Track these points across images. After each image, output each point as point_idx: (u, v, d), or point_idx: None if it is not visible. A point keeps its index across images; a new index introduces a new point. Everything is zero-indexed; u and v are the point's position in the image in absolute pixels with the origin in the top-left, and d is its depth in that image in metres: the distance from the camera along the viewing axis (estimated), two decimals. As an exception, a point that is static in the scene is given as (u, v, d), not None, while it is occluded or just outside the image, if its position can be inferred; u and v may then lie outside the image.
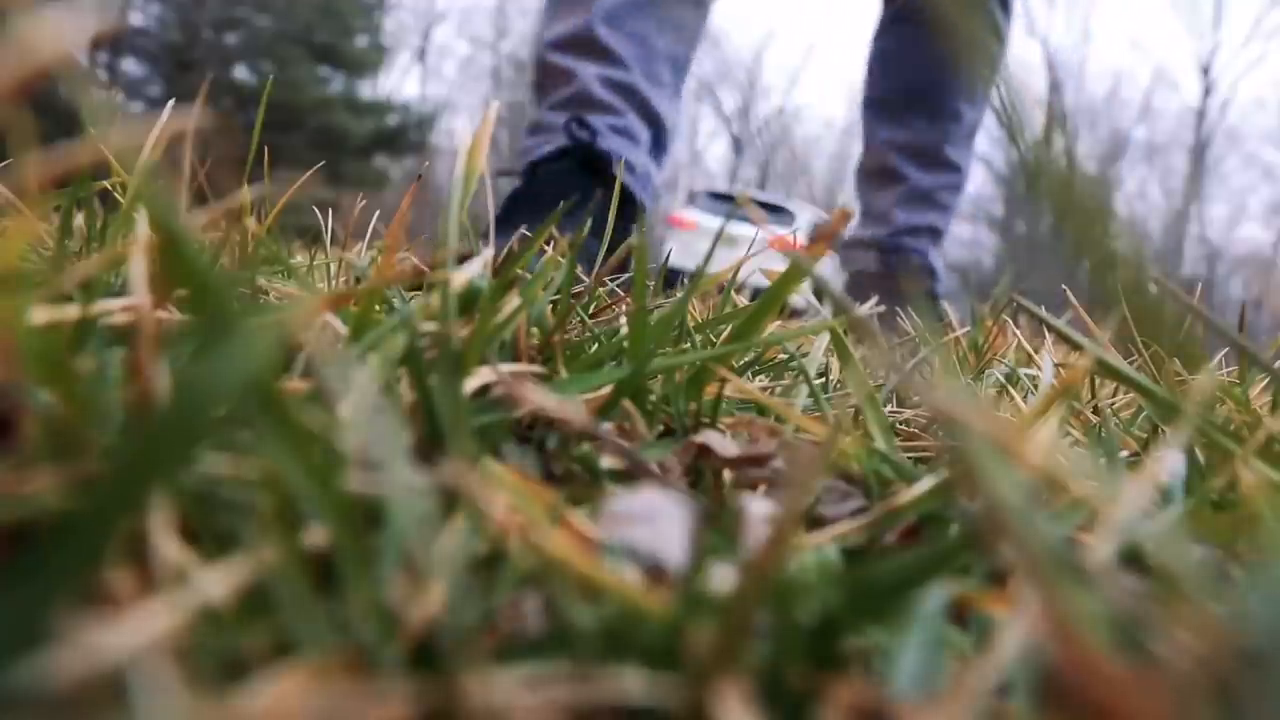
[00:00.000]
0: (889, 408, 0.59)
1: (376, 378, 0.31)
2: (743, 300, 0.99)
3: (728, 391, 0.46)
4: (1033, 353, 0.73)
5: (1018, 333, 0.87)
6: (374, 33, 15.37)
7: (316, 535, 0.21)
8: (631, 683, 0.18)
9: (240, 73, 14.51)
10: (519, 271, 0.47)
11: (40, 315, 0.29)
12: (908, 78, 1.89)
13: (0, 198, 0.47)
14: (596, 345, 0.50)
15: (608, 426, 0.38)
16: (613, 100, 1.55)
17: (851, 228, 2.00)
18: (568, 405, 0.32)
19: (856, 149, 2.15)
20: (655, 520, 0.26)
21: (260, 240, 0.59)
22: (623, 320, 0.58)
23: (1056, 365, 0.66)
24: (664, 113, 1.63)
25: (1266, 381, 0.65)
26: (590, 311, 0.58)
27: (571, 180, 1.42)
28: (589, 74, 1.54)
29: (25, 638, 0.15)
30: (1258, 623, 0.16)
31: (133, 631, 0.16)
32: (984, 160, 20.31)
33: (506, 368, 0.37)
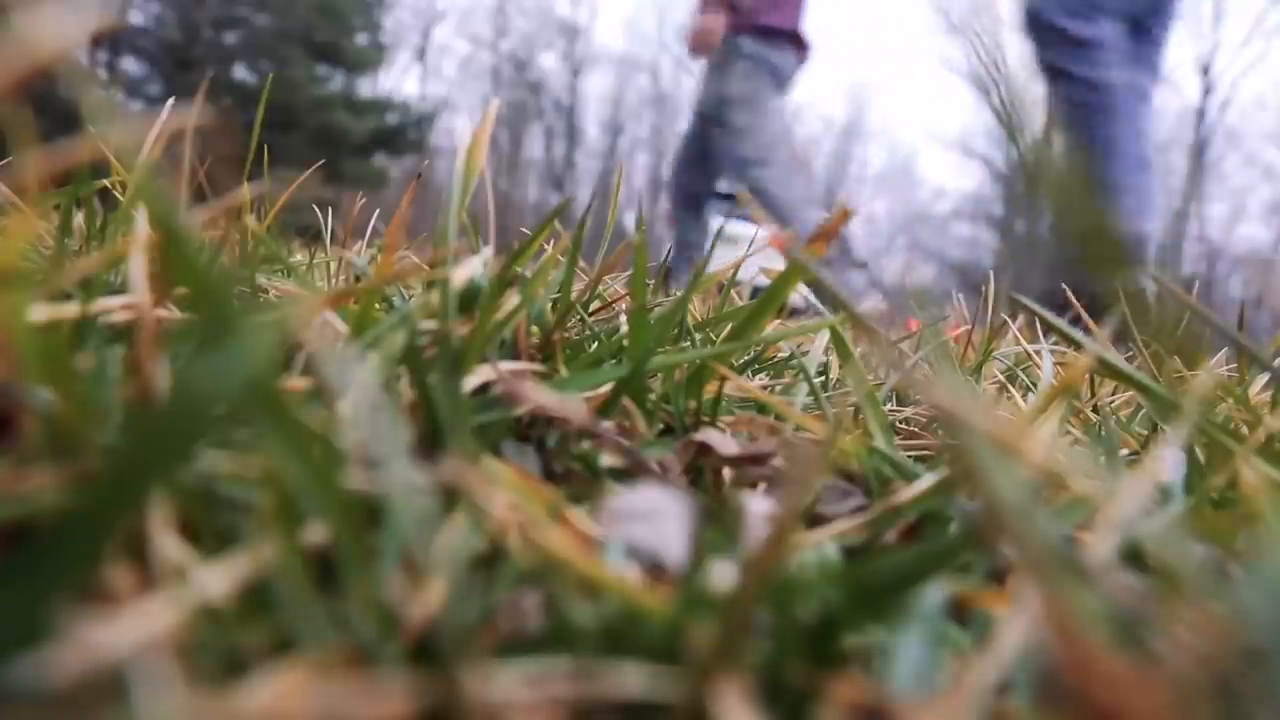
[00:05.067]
0: (889, 406, 0.59)
1: (376, 376, 0.31)
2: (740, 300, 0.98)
3: (728, 390, 0.46)
4: (1032, 352, 0.73)
5: (1017, 333, 0.87)
6: (373, 31, 15.36)
7: (316, 533, 0.21)
8: (631, 680, 0.18)
9: (240, 71, 14.51)
10: (518, 270, 0.47)
11: (40, 313, 0.29)
12: None
13: (0, 195, 0.47)
14: (596, 343, 0.50)
15: (608, 424, 0.38)
16: None
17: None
18: (568, 403, 0.32)
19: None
20: (655, 518, 0.26)
21: (260, 239, 0.59)
22: (623, 319, 0.58)
23: (1056, 364, 0.66)
24: None
25: (1267, 380, 0.65)
26: (590, 310, 0.58)
27: None
28: None
29: (25, 635, 0.15)
30: (1257, 620, 0.16)
31: (132, 629, 0.16)
32: (984, 160, 20.32)
33: (506, 366, 0.37)
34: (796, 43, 2.85)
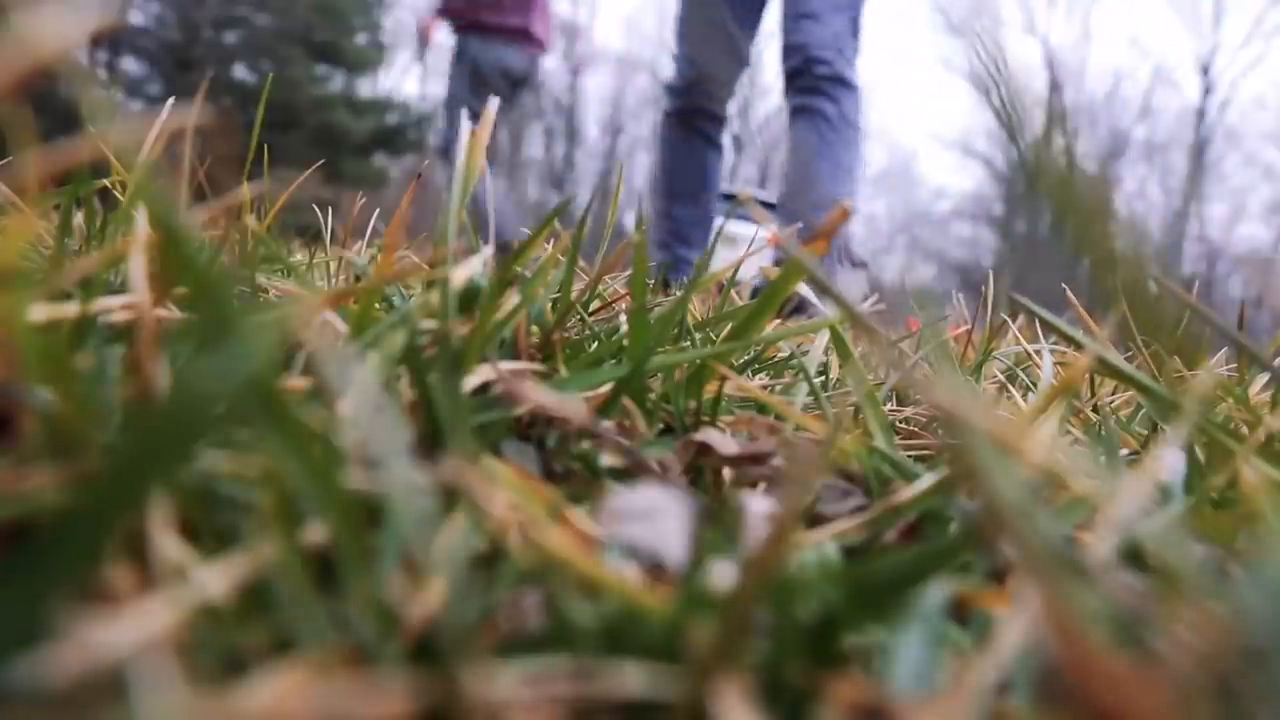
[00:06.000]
0: (889, 406, 0.59)
1: (376, 375, 0.31)
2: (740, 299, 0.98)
3: (728, 389, 0.46)
4: (1032, 352, 0.73)
5: (1017, 333, 0.87)
6: (373, 31, 15.34)
7: (316, 532, 0.21)
8: (631, 679, 0.18)
9: (240, 71, 14.51)
10: (518, 269, 0.47)
11: (40, 313, 0.29)
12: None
13: (0, 195, 0.47)
14: (596, 343, 0.50)
15: (608, 424, 0.38)
16: None
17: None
18: (568, 403, 0.32)
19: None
20: (655, 518, 0.26)
21: (260, 238, 0.59)
22: (622, 318, 0.58)
23: (1056, 363, 0.66)
24: None
25: (1267, 380, 0.65)
26: (590, 310, 0.58)
27: None
28: None
29: (25, 635, 0.15)
30: (1258, 620, 0.16)
31: (132, 628, 0.16)
32: (984, 160, 20.32)
33: (506, 365, 0.37)
34: (527, 39, 3.18)
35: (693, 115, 2.39)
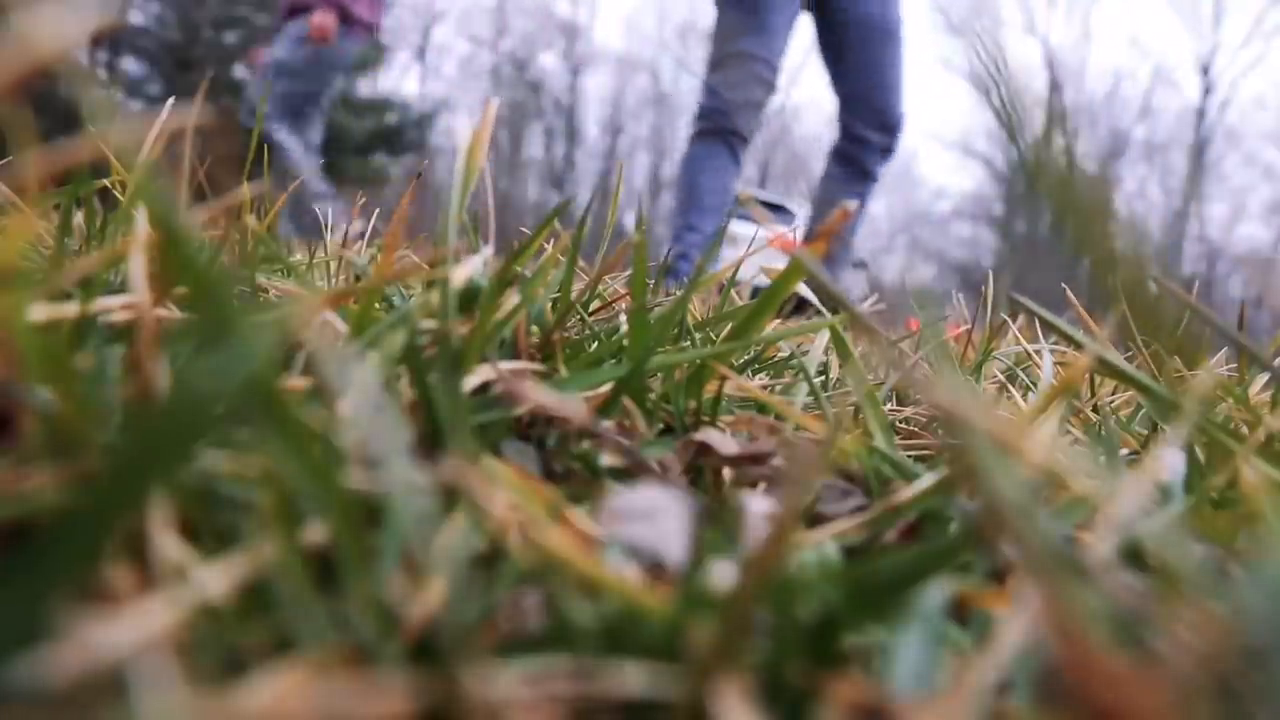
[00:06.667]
0: (889, 406, 0.59)
1: (376, 375, 0.31)
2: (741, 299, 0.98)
3: (728, 389, 0.46)
4: (1032, 352, 0.73)
5: (1017, 333, 0.87)
6: (373, 31, 15.37)
7: (316, 532, 0.21)
8: (631, 679, 0.18)
9: (240, 71, 14.52)
10: (518, 269, 0.47)
11: (40, 313, 0.29)
12: None
13: (0, 195, 0.47)
14: (596, 343, 0.50)
15: (608, 424, 0.38)
16: None
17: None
18: (568, 403, 0.32)
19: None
20: (655, 518, 0.26)
21: (260, 238, 0.59)
22: (622, 318, 0.58)
23: (1056, 363, 0.66)
24: None
25: (1267, 380, 0.64)
26: (590, 310, 0.58)
27: None
28: None
29: (25, 634, 0.15)
30: (1258, 620, 0.16)
31: (132, 628, 0.16)
32: (984, 160, 20.32)
33: (506, 365, 0.37)
34: (369, 31, 3.67)
35: (721, 135, 2.49)
